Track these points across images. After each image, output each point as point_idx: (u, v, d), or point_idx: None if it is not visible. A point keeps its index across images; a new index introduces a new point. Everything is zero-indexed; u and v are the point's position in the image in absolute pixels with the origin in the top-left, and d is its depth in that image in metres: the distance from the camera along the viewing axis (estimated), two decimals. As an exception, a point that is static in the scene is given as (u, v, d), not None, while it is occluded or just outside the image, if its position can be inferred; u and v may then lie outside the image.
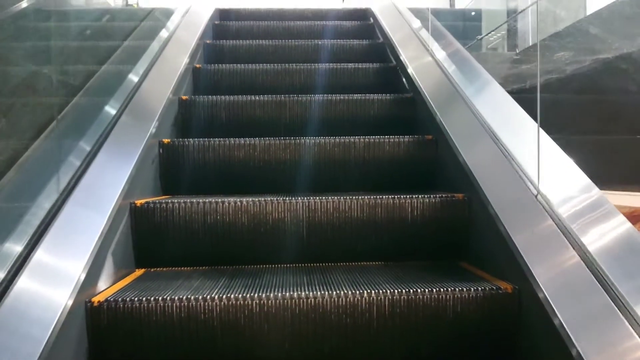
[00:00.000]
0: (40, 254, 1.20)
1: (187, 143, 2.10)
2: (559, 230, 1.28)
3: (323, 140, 2.13)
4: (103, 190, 1.55)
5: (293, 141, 2.12)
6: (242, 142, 2.11)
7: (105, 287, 1.39)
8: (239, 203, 1.71)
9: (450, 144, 1.92)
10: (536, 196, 1.40)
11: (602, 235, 1.26)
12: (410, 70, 2.67)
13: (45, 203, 1.37)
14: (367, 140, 2.14)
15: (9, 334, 1.02)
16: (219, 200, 1.71)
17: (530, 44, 4.31)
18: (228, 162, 2.12)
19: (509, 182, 1.53)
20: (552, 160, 1.53)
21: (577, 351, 1.01)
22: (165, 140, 2.09)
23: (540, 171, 1.46)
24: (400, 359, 1.33)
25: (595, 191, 1.37)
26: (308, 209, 1.73)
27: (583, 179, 1.42)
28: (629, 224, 1.24)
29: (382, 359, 1.33)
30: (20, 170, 1.40)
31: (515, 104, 1.87)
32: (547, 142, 1.57)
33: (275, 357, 1.30)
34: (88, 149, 1.65)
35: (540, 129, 1.55)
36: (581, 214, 1.32)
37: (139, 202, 1.68)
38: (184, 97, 2.48)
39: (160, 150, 2.08)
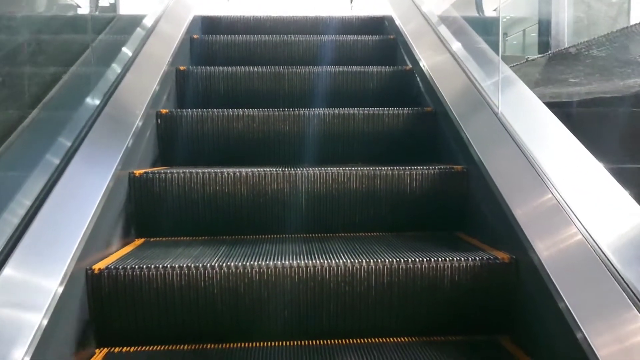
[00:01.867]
0: (39, 223, 1.20)
1: (185, 114, 2.09)
2: (557, 203, 1.28)
3: (322, 112, 2.12)
4: (101, 160, 1.54)
5: (292, 112, 2.11)
6: (241, 113, 2.10)
7: (106, 256, 1.40)
8: (238, 174, 1.71)
9: (449, 116, 1.91)
10: (536, 169, 1.40)
11: (601, 208, 1.26)
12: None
13: (43, 173, 1.36)
14: (366, 112, 2.13)
15: (10, 302, 1.03)
16: (218, 170, 1.70)
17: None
18: (227, 134, 2.11)
19: (509, 155, 1.53)
20: (554, 137, 1.53)
21: (574, 321, 1.03)
22: (163, 111, 2.08)
23: (542, 147, 1.46)
24: (398, 327, 1.35)
25: (596, 166, 1.36)
26: (307, 180, 1.73)
27: (585, 155, 1.41)
28: (629, 199, 1.25)
29: (380, 327, 1.34)
30: (19, 138, 1.39)
31: (519, 81, 1.85)
32: (555, 123, 1.56)
33: (274, 324, 1.32)
34: (85, 119, 1.64)
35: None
36: (581, 188, 1.33)
37: (137, 172, 1.68)
38: (181, 68, 2.45)
39: (158, 121, 2.07)
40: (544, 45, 3.90)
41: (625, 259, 1.09)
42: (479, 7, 4.12)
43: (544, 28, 3.94)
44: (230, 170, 1.71)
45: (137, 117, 1.82)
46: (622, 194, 1.27)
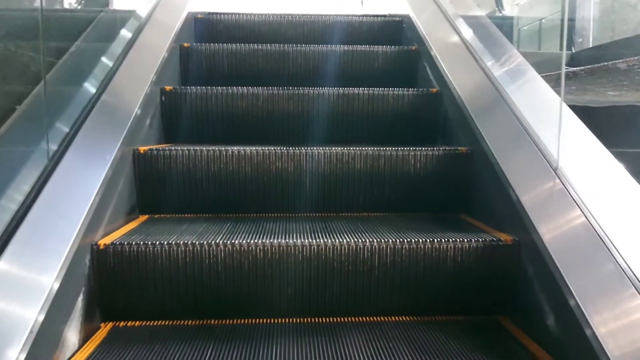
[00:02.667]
0: (43, 199, 1.21)
1: (189, 90, 2.08)
2: (563, 187, 1.28)
3: (327, 91, 2.11)
4: (105, 136, 1.54)
5: (297, 91, 2.10)
6: (245, 91, 2.09)
7: (111, 231, 1.41)
8: (242, 152, 1.71)
9: (455, 97, 1.90)
10: (541, 151, 1.40)
11: (605, 192, 1.26)
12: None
13: (46, 150, 1.36)
14: (371, 92, 2.12)
15: (16, 276, 1.04)
16: (223, 148, 1.70)
17: (592, 45, 3.43)
18: (231, 112, 2.10)
19: (513, 136, 1.53)
20: (563, 122, 1.52)
21: (576, 302, 1.04)
22: (168, 88, 2.07)
23: (546, 129, 1.45)
24: (400, 307, 1.36)
25: (601, 149, 1.36)
26: (311, 160, 1.73)
27: (589, 136, 1.41)
28: (632, 181, 1.25)
29: (383, 307, 1.36)
30: (23, 115, 1.39)
31: (525, 62, 1.84)
32: (554, 99, 1.56)
33: (278, 302, 1.33)
34: (89, 96, 1.63)
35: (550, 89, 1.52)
36: (587, 171, 1.33)
37: (142, 149, 1.68)
38: (185, 45, 2.44)
39: (163, 98, 2.06)
40: (567, 40, 3.48)
41: (628, 243, 1.10)
42: (499, 1, 3.84)
43: (568, 22, 3.48)
44: (235, 148, 1.70)
45: (141, 93, 1.81)
46: (629, 180, 1.27)
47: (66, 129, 1.46)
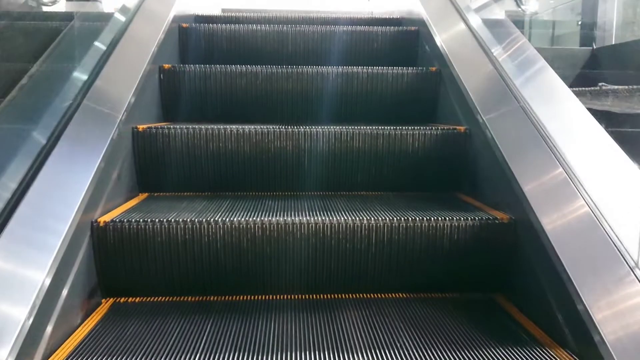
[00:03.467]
0: (43, 176, 1.20)
1: (188, 69, 2.07)
2: (560, 166, 1.28)
3: (326, 70, 2.10)
4: (103, 114, 1.54)
5: (296, 70, 2.09)
6: (244, 69, 2.08)
7: (111, 209, 1.42)
8: (241, 131, 1.71)
9: (454, 76, 1.89)
10: (540, 131, 1.40)
11: (604, 173, 1.27)
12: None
13: (46, 127, 1.36)
14: (370, 70, 2.11)
15: (16, 253, 1.04)
16: (221, 127, 1.70)
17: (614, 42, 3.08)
18: (230, 90, 2.10)
19: (511, 112, 1.52)
20: (561, 102, 1.53)
21: (570, 280, 1.05)
22: (166, 66, 2.06)
23: (547, 111, 1.45)
24: (396, 284, 1.38)
25: (602, 132, 1.36)
26: (310, 139, 1.73)
27: (590, 119, 1.41)
28: (633, 165, 1.25)
29: (380, 284, 1.38)
30: (22, 91, 1.38)
31: (527, 42, 1.83)
32: (562, 87, 1.55)
33: (276, 279, 1.35)
34: (87, 73, 1.63)
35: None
36: (585, 153, 1.33)
37: (141, 127, 1.68)
38: (184, 25, 2.42)
39: (161, 76, 2.05)
40: (587, 37, 3.22)
41: (622, 221, 1.11)
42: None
43: (587, 17, 3.21)
44: (234, 127, 1.71)
45: (139, 71, 1.80)
46: (626, 160, 1.27)
47: (65, 107, 1.45)
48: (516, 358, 1.07)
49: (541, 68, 1.71)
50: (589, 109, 1.45)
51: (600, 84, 2.18)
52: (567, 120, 1.48)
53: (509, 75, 1.67)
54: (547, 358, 1.06)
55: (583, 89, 2.19)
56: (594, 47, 3.12)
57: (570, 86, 1.58)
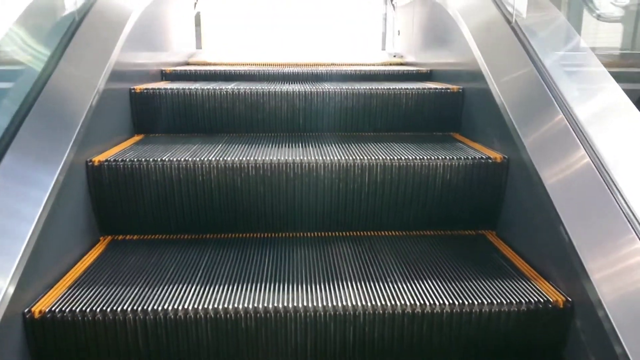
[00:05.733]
0: (34, 114, 1.16)
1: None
2: (553, 100, 1.25)
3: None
4: (96, 50, 1.51)
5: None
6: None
7: (105, 149, 1.43)
8: (236, 91, 1.73)
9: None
10: (537, 68, 1.36)
11: (598, 113, 1.24)
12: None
13: (37, 63, 1.29)
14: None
15: (10, 191, 1.03)
16: (217, 87, 1.72)
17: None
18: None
19: (511, 52, 1.48)
20: (571, 52, 1.48)
21: (559, 218, 1.05)
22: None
23: (555, 60, 1.41)
24: (390, 222, 1.40)
25: (599, 69, 1.33)
26: (304, 98, 1.75)
27: (601, 70, 1.34)
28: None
29: (373, 222, 1.39)
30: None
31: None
32: (574, 36, 1.50)
33: (271, 217, 1.36)
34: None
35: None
36: (581, 87, 1.31)
37: (138, 88, 1.69)
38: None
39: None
40: None
41: (618, 164, 1.06)
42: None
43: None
44: (229, 86, 1.73)
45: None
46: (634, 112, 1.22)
47: (55, 43, 1.37)
48: (502, 289, 1.08)
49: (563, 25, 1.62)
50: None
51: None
52: (576, 69, 1.41)
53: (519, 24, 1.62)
54: (531, 289, 1.07)
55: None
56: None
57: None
